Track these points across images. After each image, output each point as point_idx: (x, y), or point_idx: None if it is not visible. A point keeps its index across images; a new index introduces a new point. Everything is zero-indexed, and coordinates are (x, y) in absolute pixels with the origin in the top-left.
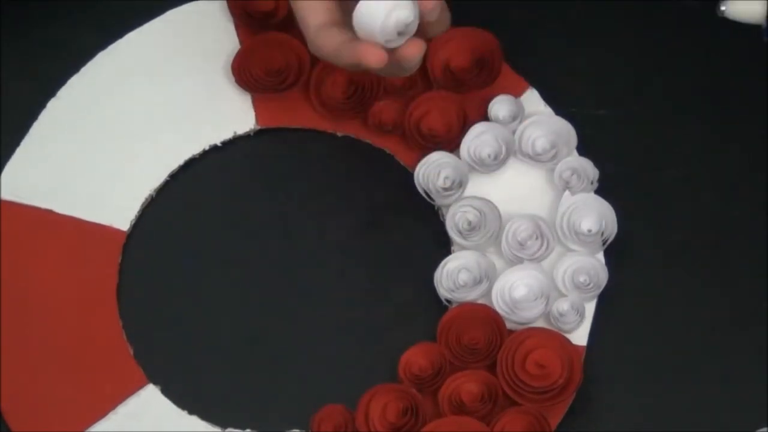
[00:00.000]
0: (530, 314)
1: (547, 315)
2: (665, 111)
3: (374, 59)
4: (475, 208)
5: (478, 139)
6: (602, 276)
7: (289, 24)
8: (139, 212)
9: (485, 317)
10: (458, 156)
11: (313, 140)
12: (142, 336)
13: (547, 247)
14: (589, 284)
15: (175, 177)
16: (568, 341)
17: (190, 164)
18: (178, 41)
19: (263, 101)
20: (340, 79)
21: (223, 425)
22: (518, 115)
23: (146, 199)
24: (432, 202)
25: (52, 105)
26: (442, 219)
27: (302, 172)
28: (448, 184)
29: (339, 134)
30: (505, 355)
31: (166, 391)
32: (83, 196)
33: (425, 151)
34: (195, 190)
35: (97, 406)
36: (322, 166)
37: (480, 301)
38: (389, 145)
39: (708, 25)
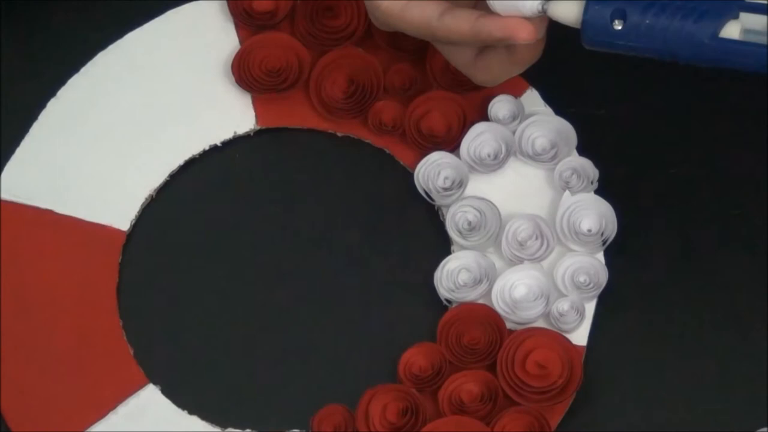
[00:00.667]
0: (530, 314)
1: (547, 315)
2: (665, 111)
3: (525, 33)
4: (475, 208)
5: (478, 138)
6: (602, 276)
7: (290, 24)
8: (139, 212)
9: (485, 317)
10: (458, 156)
11: (313, 140)
12: (142, 336)
13: (547, 247)
14: (589, 284)
15: (175, 177)
16: (568, 341)
17: (190, 164)
18: (178, 41)
19: (263, 101)
20: (340, 79)
21: (223, 425)
22: (518, 115)
23: (146, 199)
24: (432, 202)
25: (52, 105)
26: (442, 219)
27: (302, 172)
28: (448, 184)
29: (339, 134)
30: (505, 355)
31: (166, 391)
32: (83, 196)
33: (425, 151)
34: (195, 190)
35: (97, 406)
36: (322, 166)
37: (480, 301)
38: (389, 145)
39: None
